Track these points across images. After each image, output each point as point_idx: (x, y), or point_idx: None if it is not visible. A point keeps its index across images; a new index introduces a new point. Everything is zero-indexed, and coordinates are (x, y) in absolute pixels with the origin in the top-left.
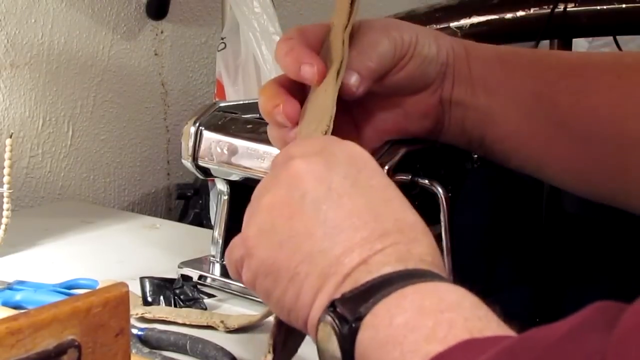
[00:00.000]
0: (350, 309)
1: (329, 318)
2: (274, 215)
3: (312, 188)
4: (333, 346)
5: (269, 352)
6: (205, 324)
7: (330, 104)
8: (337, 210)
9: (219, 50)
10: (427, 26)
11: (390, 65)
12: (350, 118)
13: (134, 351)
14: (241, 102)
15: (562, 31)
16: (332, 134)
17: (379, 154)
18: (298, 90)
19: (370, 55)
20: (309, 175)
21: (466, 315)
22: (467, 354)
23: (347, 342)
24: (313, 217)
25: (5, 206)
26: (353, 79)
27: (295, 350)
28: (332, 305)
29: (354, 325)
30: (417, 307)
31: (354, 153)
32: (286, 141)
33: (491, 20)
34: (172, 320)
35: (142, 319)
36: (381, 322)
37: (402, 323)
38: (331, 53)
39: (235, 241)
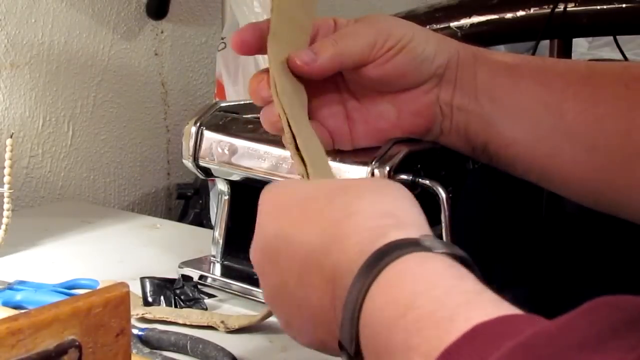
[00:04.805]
0: (348, 346)
1: (343, 357)
2: (279, 313)
3: (270, 273)
4: None
5: None
6: (205, 324)
7: (282, 115)
8: (292, 273)
9: (219, 50)
10: (427, 26)
11: (367, 55)
12: (343, 113)
13: (134, 351)
14: (242, 102)
15: (562, 31)
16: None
17: (380, 154)
18: None
19: (338, 42)
20: (262, 265)
21: (428, 307)
22: None
23: None
24: (289, 294)
25: (5, 206)
26: (305, 57)
27: None
28: (339, 345)
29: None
30: (385, 324)
31: (270, 205)
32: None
33: (491, 20)
34: (172, 320)
35: (143, 319)
36: (370, 355)
37: (382, 350)
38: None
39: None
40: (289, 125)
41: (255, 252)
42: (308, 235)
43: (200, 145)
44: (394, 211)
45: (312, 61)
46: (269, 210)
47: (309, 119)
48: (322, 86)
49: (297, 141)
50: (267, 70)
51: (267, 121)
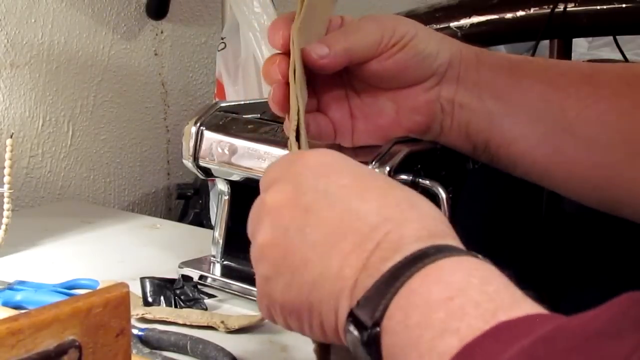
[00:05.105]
0: (366, 315)
1: (350, 328)
2: (270, 260)
3: (290, 218)
4: (362, 354)
5: None
6: (205, 325)
7: (293, 101)
8: (321, 228)
9: (219, 50)
10: (427, 26)
11: (374, 50)
12: (347, 109)
13: (134, 351)
14: (242, 102)
15: (562, 31)
16: (315, 120)
17: (381, 153)
18: None
19: (348, 36)
20: (283, 207)
21: (476, 298)
22: (486, 353)
23: (372, 349)
24: (303, 246)
25: (5, 206)
26: (319, 50)
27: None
28: (351, 315)
29: (372, 331)
30: (426, 301)
31: (317, 161)
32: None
33: (491, 20)
34: (172, 320)
35: (143, 319)
36: (397, 325)
37: (415, 322)
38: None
39: (258, 292)
40: (298, 114)
41: (281, 192)
42: (362, 204)
43: (200, 145)
44: (449, 225)
45: (326, 55)
46: (314, 164)
47: (316, 110)
48: (329, 80)
49: (300, 132)
50: (280, 54)
51: (273, 101)
